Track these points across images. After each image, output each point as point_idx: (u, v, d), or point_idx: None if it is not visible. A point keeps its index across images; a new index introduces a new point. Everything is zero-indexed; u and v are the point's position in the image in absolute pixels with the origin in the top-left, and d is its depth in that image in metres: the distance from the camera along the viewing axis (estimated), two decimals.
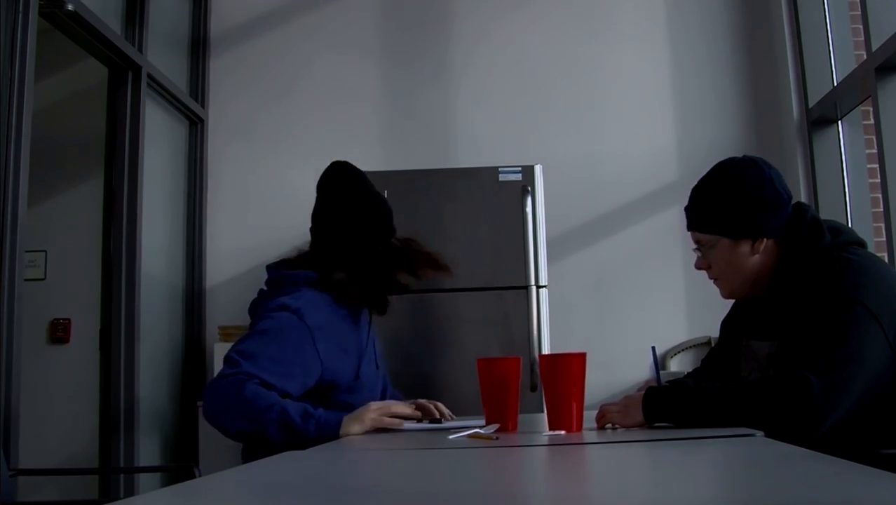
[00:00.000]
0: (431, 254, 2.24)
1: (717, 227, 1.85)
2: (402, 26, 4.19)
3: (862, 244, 1.82)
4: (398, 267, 2.20)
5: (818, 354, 1.60)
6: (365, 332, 2.22)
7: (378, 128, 4.07)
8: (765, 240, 1.82)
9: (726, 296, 1.97)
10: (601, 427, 1.72)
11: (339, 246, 2.16)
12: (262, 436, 1.84)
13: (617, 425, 1.70)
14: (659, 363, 1.84)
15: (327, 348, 2.03)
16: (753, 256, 1.83)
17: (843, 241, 1.79)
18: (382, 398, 2.27)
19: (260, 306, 2.10)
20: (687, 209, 1.93)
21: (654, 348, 1.84)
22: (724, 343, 2.09)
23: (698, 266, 1.94)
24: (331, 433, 1.83)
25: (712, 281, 1.94)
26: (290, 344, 1.97)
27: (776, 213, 1.82)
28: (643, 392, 1.69)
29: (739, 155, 1.93)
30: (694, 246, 1.93)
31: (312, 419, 1.85)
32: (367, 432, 1.86)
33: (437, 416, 2.12)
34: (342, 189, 2.20)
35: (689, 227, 1.93)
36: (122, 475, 3.23)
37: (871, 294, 1.65)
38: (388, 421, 1.89)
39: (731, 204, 1.83)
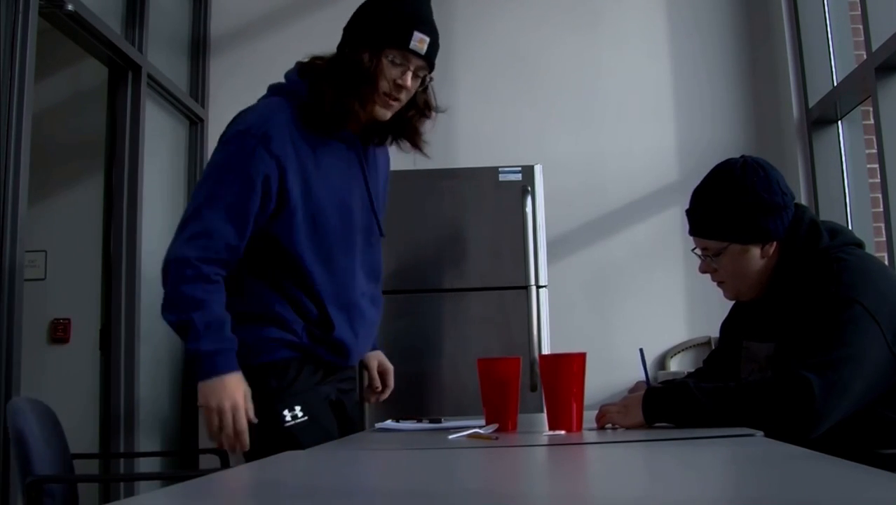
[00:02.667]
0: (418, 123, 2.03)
1: (726, 234, 1.84)
2: None
3: (860, 245, 1.83)
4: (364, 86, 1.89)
5: (817, 355, 1.60)
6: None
7: None
8: (774, 243, 1.82)
9: (731, 298, 1.96)
10: (601, 427, 1.72)
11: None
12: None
13: (617, 425, 1.70)
14: (647, 365, 1.83)
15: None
16: (762, 259, 1.83)
17: (841, 242, 1.80)
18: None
19: None
20: (690, 213, 1.92)
21: (641, 351, 1.84)
22: (724, 345, 2.09)
23: (703, 270, 1.93)
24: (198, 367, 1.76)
25: (716, 284, 1.94)
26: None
27: (781, 216, 1.81)
28: (643, 392, 1.69)
29: (739, 155, 1.92)
30: (693, 247, 1.93)
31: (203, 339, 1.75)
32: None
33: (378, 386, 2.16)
34: None
35: (694, 233, 1.92)
36: (122, 483, 3.23)
37: (869, 294, 1.66)
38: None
39: (738, 210, 1.81)
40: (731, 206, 1.82)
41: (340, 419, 2.05)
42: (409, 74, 1.91)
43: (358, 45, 1.94)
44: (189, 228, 1.82)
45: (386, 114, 1.95)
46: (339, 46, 2.01)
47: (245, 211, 1.82)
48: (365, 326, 2.02)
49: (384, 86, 1.90)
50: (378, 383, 2.20)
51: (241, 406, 1.77)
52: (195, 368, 1.78)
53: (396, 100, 1.93)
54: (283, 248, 1.88)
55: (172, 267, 1.82)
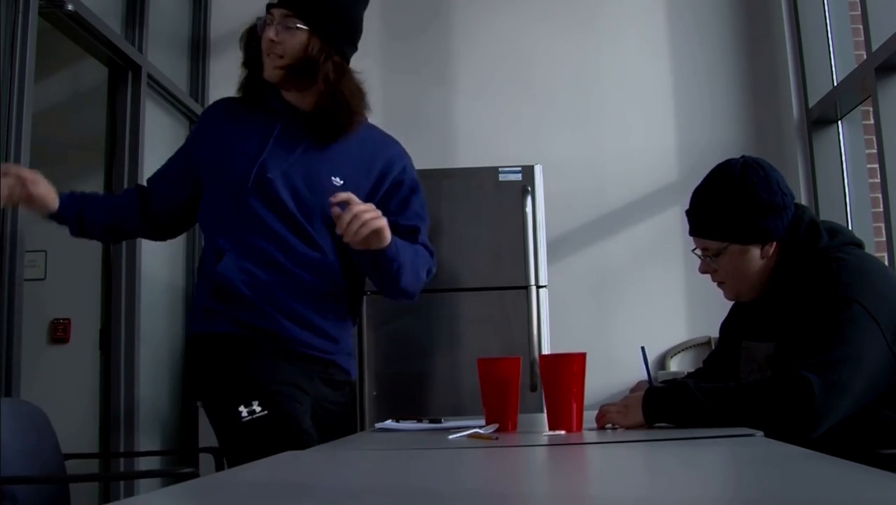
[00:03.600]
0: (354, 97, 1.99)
1: (726, 235, 1.84)
2: (402, 26, 4.19)
3: (859, 245, 1.83)
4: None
5: (817, 354, 1.60)
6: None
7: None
8: (774, 243, 1.82)
9: (731, 298, 1.96)
10: (601, 427, 1.72)
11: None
12: None
13: (617, 425, 1.70)
14: (649, 364, 1.83)
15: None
16: (762, 259, 1.83)
17: (841, 242, 1.80)
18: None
19: None
20: (690, 213, 1.92)
21: (643, 349, 1.84)
22: (723, 345, 2.09)
23: (703, 270, 1.93)
24: None
25: (716, 284, 1.94)
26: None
27: (781, 216, 1.81)
28: (643, 393, 1.69)
29: (739, 155, 1.92)
30: (693, 247, 1.93)
31: None
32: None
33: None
34: None
35: (694, 233, 1.92)
36: (121, 481, 3.23)
37: (869, 294, 1.66)
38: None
39: (738, 211, 1.81)
40: (731, 207, 1.82)
41: (325, 421, 1.99)
42: (271, 27, 1.94)
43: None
44: None
45: (271, 74, 1.97)
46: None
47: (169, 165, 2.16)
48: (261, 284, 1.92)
49: (263, 46, 1.97)
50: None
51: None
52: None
53: (269, 55, 1.96)
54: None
55: None
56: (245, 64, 2.02)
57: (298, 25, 1.92)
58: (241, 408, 1.79)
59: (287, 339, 1.92)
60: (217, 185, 2.00)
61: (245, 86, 2.03)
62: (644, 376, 1.86)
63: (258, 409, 1.80)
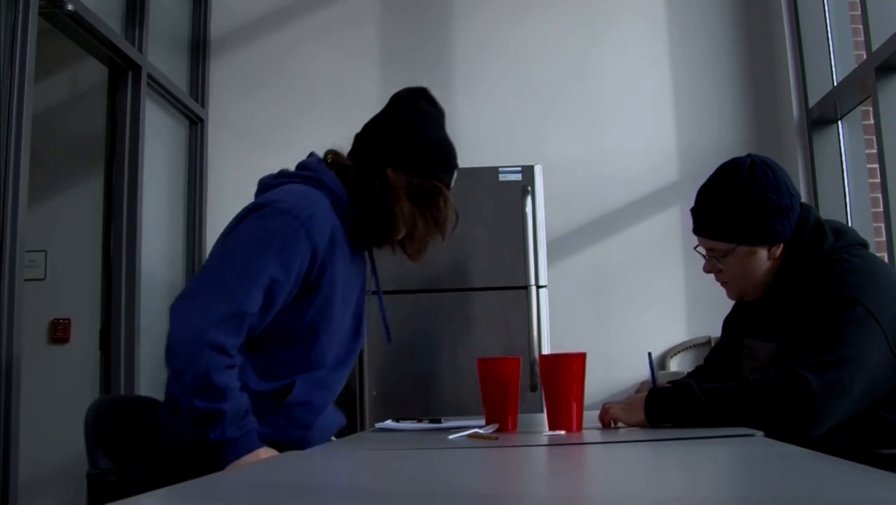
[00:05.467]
0: (446, 220, 1.96)
1: (735, 237, 1.82)
2: (402, 26, 4.19)
3: (864, 245, 1.82)
4: (421, 206, 1.90)
5: (818, 354, 1.60)
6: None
7: None
8: (781, 244, 1.81)
9: (734, 298, 1.96)
10: (606, 422, 1.72)
11: (395, 158, 1.89)
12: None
13: (620, 422, 1.70)
14: (655, 368, 1.83)
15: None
16: (769, 260, 1.82)
17: (846, 243, 1.79)
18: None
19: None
20: (695, 212, 1.90)
21: (650, 354, 1.85)
22: (725, 342, 2.08)
23: (707, 270, 1.91)
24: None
25: (719, 283, 1.93)
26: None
27: (789, 217, 1.80)
28: (646, 393, 1.70)
29: (740, 155, 1.90)
30: (696, 245, 1.92)
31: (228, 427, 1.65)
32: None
33: None
34: (429, 113, 1.97)
35: (700, 233, 1.90)
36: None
37: (872, 295, 1.65)
38: None
39: (748, 213, 1.80)
40: (741, 209, 1.80)
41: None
42: None
43: (421, 176, 1.90)
44: (222, 305, 1.68)
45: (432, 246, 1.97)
46: (383, 163, 1.91)
47: (278, 295, 1.74)
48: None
49: (451, 220, 1.94)
50: None
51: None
52: (219, 453, 1.66)
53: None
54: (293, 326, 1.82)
55: (206, 352, 1.64)
56: (422, 222, 1.92)
57: None
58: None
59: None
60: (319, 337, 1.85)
61: (387, 234, 1.93)
62: (649, 379, 1.86)
63: None
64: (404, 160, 1.89)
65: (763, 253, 1.82)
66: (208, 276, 1.76)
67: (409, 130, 1.92)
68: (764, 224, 1.80)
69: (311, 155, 1.99)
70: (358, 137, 1.98)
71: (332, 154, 1.96)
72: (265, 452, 1.70)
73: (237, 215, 1.82)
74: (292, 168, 1.98)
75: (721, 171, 1.88)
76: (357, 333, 1.96)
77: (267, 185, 1.93)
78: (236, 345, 1.69)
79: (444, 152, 1.95)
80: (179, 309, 1.69)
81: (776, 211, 1.79)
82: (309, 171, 1.93)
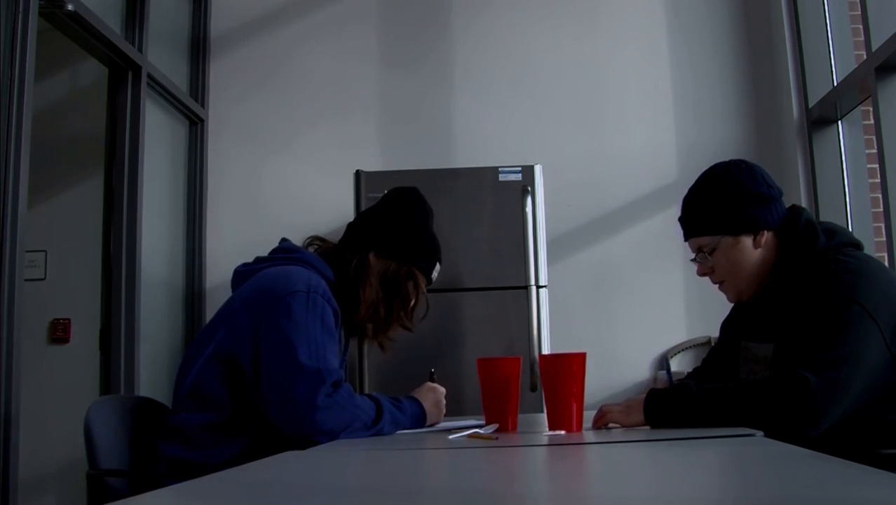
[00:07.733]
0: (412, 310, 2.06)
1: (715, 228, 1.86)
2: (402, 26, 4.19)
3: (857, 245, 1.83)
4: (389, 292, 1.99)
5: (816, 354, 1.61)
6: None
7: (378, 127, 4.07)
8: (765, 233, 1.83)
9: (733, 299, 1.96)
10: (601, 426, 1.72)
11: (385, 251, 1.99)
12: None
13: (618, 425, 1.70)
14: (671, 372, 1.85)
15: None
16: (756, 250, 1.84)
17: (839, 243, 1.80)
18: None
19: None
20: (681, 219, 1.95)
21: (667, 359, 1.86)
22: (723, 344, 2.09)
23: (701, 272, 1.93)
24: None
25: (717, 286, 1.94)
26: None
27: (769, 207, 1.84)
28: (645, 394, 1.70)
29: (739, 156, 1.95)
30: (692, 255, 1.93)
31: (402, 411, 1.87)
32: None
33: None
34: (418, 208, 2.08)
35: (687, 236, 1.93)
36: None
37: (868, 294, 1.66)
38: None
39: (723, 202, 1.85)
40: (718, 200, 1.85)
41: None
42: None
43: (400, 262, 1.99)
44: (318, 386, 1.74)
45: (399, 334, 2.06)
46: (367, 246, 2.01)
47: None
48: None
49: (420, 311, 2.02)
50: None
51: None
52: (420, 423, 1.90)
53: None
54: None
55: (336, 412, 1.74)
56: (391, 311, 2.01)
57: None
58: None
59: None
60: None
61: (366, 321, 2.02)
62: (646, 379, 1.87)
63: None
64: (388, 245, 1.99)
65: (748, 242, 1.84)
66: (294, 377, 1.75)
67: (397, 219, 2.03)
68: (742, 211, 1.83)
69: (284, 241, 2.08)
70: (350, 226, 2.09)
71: (317, 239, 2.07)
72: (422, 395, 1.93)
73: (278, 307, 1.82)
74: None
75: (700, 176, 1.94)
76: None
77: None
78: (334, 382, 1.76)
79: (428, 243, 2.05)
80: (312, 423, 1.71)
81: (754, 199, 1.83)
82: (294, 254, 2.01)
